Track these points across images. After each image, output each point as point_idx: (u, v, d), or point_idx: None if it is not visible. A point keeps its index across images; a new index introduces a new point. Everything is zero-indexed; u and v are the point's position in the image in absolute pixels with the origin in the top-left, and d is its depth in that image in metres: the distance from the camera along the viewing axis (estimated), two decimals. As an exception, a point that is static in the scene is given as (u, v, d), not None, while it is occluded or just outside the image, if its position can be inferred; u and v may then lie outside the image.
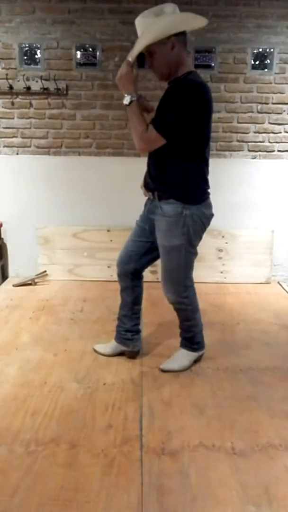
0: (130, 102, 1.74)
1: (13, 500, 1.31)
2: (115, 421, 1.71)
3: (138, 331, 2.21)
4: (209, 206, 1.93)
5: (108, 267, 3.52)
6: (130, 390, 1.93)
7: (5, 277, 3.61)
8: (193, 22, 1.77)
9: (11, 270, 3.65)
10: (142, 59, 1.81)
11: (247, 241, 3.52)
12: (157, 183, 1.88)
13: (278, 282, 3.57)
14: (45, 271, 3.51)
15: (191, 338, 2.12)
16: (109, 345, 2.24)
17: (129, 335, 2.17)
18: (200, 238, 1.94)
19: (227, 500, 1.33)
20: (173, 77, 1.78)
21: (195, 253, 1.97)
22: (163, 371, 2.08)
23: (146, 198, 2.04)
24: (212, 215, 1.94)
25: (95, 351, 2.26)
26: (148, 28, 1.67)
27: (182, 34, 1.74)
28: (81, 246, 3.54)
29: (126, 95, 1.75)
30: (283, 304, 3.11)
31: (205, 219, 1.89)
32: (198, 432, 1.65)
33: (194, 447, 1.57)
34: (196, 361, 2.16)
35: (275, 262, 3.61)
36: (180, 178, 1.82)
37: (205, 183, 1.90)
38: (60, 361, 2.20)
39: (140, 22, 1.71)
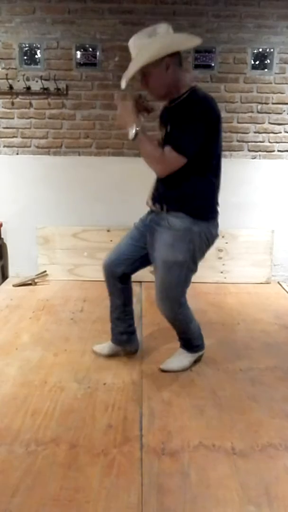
0: (135, 136, 1.68)
1: (13, 500, 1.31)
2: (115, 421, 1.71)
3: (133, 332, 2.18)
4: (217, 226, 1.87)
5: (108, 267, 3.52)
6: (130, 390, 1.93)
7: (5, 277, 3.61)
8: (187, 42, 1.73)
9: (11, 270, 3.65)
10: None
11: (247, 241, 3.52)
12: (167, 197, 1.80)
13: (278, 282, 3.57)
14: (45, 271, 3.51)
15: (189, 341, 2.12)
16: (107, 345, 2.23)
17: (124, 337, 2.15)
18: (203, 255, 1.87)
19: (227, 500, 1.33)
20: (175, 96, 1.74)
21: (195, 271, 1.90)
22: (163, 371, 2.08)
23: (148, 211, 1.98)
24: (217, 235, 1.88)
25: (94, 352, 2.26)
26: (142, 49, 1.64)
27: (177, 54, 1.69)
28: (81, 246, 3.54)
29: (129, 129, 1.69)
30: (283, 304, 3.11)
31: (211, 239, 1.84)
32: (198, 432, 1.65)
33: (194, 447, 1.57)
34: (196, 361, 2.16)
35: (275, 262, 3.61)
36: (191, 193, 1.76)
37: (215, 201, 1.84)
38: (60, 361, 2.20)
39: (133, 44, 1.68)
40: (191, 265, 1.83)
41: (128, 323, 2.15)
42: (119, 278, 2.02)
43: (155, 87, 1.73)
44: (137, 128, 1.67)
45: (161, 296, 1.90)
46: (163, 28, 1.66)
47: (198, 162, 1.71)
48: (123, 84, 1.73)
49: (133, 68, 1.66)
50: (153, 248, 1.86)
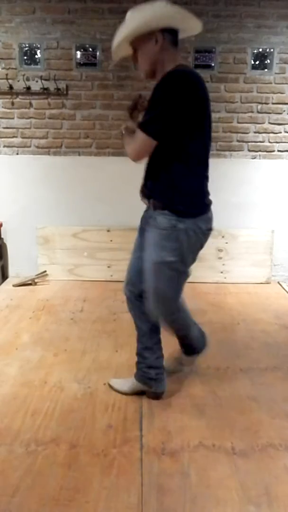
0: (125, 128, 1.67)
1: (13, 500, 1.31)
2: (115, 421, 1.71)
3: (162, 367, 1.85)
4: (208, 220, 1.66)
5: (108, 267, 3.52)
6: (130, 390, 1.93)
7: (5, 277, 3.61)
8: (183, 20, 1.56)
9: (11, 270, 3.65)
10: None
11: (247, 241, 3.52)
12: (152, 191, 1.66)
13: (278, 282, 3.57)
14: (45, 271, 3.51)
15: (191, 346, 1.94)
16: (128, 382, 1.92)
17: (152, 374, 1.82)
18: (194, 256, 1.69)
19: (227, 500, 1.33)
20: (161, 76, 1.54)
21: (186, 273, 1.71)
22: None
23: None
24: (210, 229, 1.69)
25: (111, 387, 1.95)
26: (130, 19, 1.53)
27: (170, 31, 1.56)
28: (81, 246, 3.54)
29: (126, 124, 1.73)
30: (283, 304, 3.11)
31: (201, 235, 1.64)
32: (198, 432, 1.65)
33: (194, 447, 1.57)
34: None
35: (275, 262, 3.61)
36: (175, 187, 1.58)
37: (203, 194, 1.66)
38: (60, 361, 2.20)
39: (127, 16, 1.57)
40: (180, 266, 1.65)
41: (157, 354, 1.84)
42: (140, 297, 1.77)
43: (141, 63, 1.61)
44: (126, 124, 1.68)
45: (153, 300, 1.69)
46: (160, 2, 1.53)
47: (182, 151, 1.55)
48: (114, 58, 1.69)
49: (117, 38, 1.56)
50: (143, 249, 1.71)
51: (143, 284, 1.72)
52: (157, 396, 1.87)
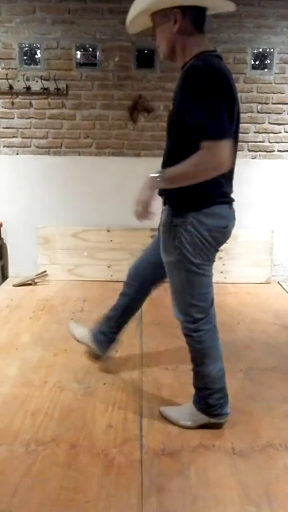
0: (159, 176, 1.40)
1: (13, 500, 1.31)
2: (115, 421, 1.71)
3: (111, 340, 2.00)
4: (212, 215, 1.47)
5: (108, 267, 3.52)
6: (130, 390, 1.93)
7: (5, 277, 3.61)
8: None
9: (11, 270, 3.65)
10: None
11: (247, 241, 3.52)
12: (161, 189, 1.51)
13: (278, 282, 3.57)
14: (45, 271, 3.51)
15: (202, 392, 1.64)
16: (83, 331, 2.09)
17: (101, 337, 2.00)
18: (205, 254, 1.50)
19: (227, 500, 1.33)
20: (182, 60, 1.45)
21: (203, 274, 1.52)
22: (161, 414, 1.75)
23: None
24: (219, 227, 1.50)
25: (69, 325, 2.18)
26: None
27: (193, 10, 1.40)
28: (81, 246, 3.54)
29: (152, 185, 1.42)
30: (283, 304, 3.11)
31: (205, 231, 1.47)
32: (198, 432, 1.65)
33: (194, 447, 1.57)
34: (208, 426, 1.66)
35: (275, 262, 3.61)
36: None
37: (211, 187, 1.43)
38: (60, 361, 2.20)
39: None
40: (188, 266, 1.48)
41: (113, 330, 1.98)
42: (139, 284, 1.87)
43: (159, 41, 1.47)
44: (153, 176, 1.40)
45: (172, 302, 1.61)
46: None
47: (190, 150, 1.33)
48: (130, 31, 1.56)
49: (132, 12, 1.42)
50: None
51: (142, 272, 1.85)
52: (94, 357, 2.05)
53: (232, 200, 1.55)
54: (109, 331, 2.00)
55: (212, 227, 1.48)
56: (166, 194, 1.51)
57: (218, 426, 1.66)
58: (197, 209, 1.45)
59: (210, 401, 1.61)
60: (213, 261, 1.57)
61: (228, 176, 1.49)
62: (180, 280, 1.53)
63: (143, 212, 1.43)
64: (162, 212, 1.58)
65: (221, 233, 1.54)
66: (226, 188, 1.51)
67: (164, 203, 1.55)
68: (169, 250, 1.52)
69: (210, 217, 1.47)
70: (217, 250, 1.57)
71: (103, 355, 2.08)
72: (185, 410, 1.70)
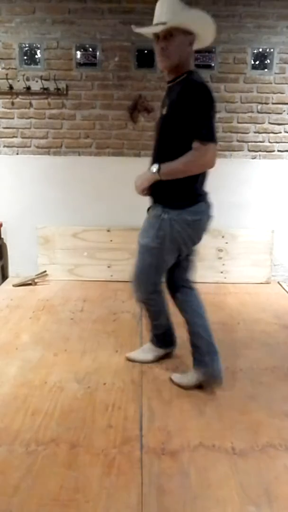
0: (158, 170, 1.72)
1: (13, 500, 1.31)
2: (115, 421, 1.71)
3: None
4: (195, 212, 1.77)
5: (108, 267, 3.52)
6: (130, 390, 1.93)
7: (5, 277, 3.61)
8: (209, 30, 1.72)
9: (11, 270, 3.65)
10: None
11: (247, 241, 3.53)
12: (152, 188, 1.81)
13: (278, 282, 3.57)
14: (45, 271, 3.51)
15: (156, 336, 2.18)
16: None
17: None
18: (179, 246, 1.82)
19: (227, 500, 1.33)
20: (177, 75, 1.73)
21: (168, 261, 1.87)
22: (129, 359, 2.19)
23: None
24: (199, 221, 1.79)
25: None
26: (186, 11, 1.67)
27: (194, 36, 1.72)
28: (81, 246, 3.54)
29: (149, 176, 1.76)
30: (283, 304, 3.11)
31: (186, 225, 1.76)
32: (198, 432, 1.65)
33: (194, 447, 1.57)
34: (164, 357, 2.21)
35: (275, 262, 3.61)
36: (171, 182, 1.72)
37: (193, 187, 1.76)
38: (60, 361, 2.20)
39: (166, 1, 1.67)
40: (161, 254, 1.82)
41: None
42: (168, 289, 2.06)
43: (173, 53, 1.68)
44: (153, 169, 1.73)
45: (133, 278, 1.95)
46: (203, 12, 1.72)
47: (185, 150, 1.66)
48: (146, 30, 1.73)
49: (173, 20, 1.63)
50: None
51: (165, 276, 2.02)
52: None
53: (207, 195, 1.85)
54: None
55: (190, 221, 1.77)
56: (156, 194, 1.82)
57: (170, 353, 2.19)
58: (182, 207, 1.76)
59: (159, 337, 2.16)
60: (184, 252, 1.89)
61: (205, 176, 1.82)
62: (150, 262, 1.86)
63: (141, 193, 1.84)
64: (149, 208, 1.89)
65: (195, 225, 1.80)
66: (203, 187, 1.83)
67: (154, 201, 1.84)
68: (150, 236, 1.81)
69: (192, 214, 1.77)
70: (193, 243, 1.88)
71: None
72: (146, 350, 2.20)
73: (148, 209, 1.91)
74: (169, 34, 1.66)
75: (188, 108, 1.63)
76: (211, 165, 1.68)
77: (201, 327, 1.91)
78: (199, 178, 1.76)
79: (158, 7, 1.69)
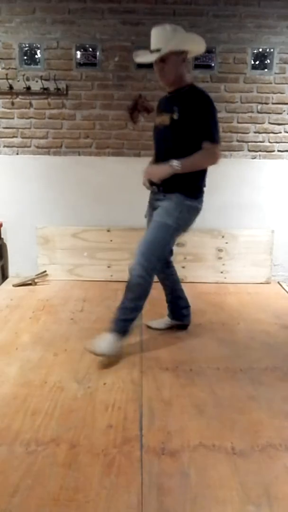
0: (178, 165, 2.04)
1: (13, 500, 1.31)
2: (115, 421, 1.71)
3: (189, 305, 2.53)
4: (201, 202, 2.23)
5: (108, 267, 3.52)
6: (130, 390, 1.93)
7: (5, 277, 3.61)
8: (200, 45, 2.10)
9: (11, 270, 3.66)
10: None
11: (247, 241, 3.52)
12: (166, 180, 2.10)
13: (278, 282, 3.57)
14: (45, 271, 3.51)
15: (126, 321, 2.17)
16: (163, 321, 2.54)
17: (185, 311, 2.51)
18: (187, 227, 2.22)
19: (227, 500, 1.33)
20: (177, 87, 2.10)
21: (176, 238, 2.21)
22: (89, 350, 2.14)
23: (150, 195, 2.32)
24: (200, 208, 2.23)
25: (148, 326, 2.54)
26: (175, 36, 1.99)
27: (187, 52, 2.09)
28: (81, 246, 3.54)
29: (169, 171, 2.06)
30: (283, 304, 3.11)
31: (195, 213, 2.21)
32: (198, 432, 1.65)
33: (194, 447, 1.57)
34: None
35: (275, 262, 3.61)
36: (189, 177, 2.08)
37: (203, 182, 2.22)
38: (60, 361, 2.20)
39: (158, 31, 2.01)
40: (175, 232, 2.16)
41: (185, 298, 2.50)
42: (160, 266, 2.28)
43: (169, 72, 2.06)
44: (173, 164, 2.03)
45: (141, 250, 2.10)
46: (180, 28, 2.07)
47: (192, 150, 2.04)
48: (145, 59, 2.12)
49: (167, 49, 1.98)
50: (153, 216, 2.19)
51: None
52: (186, 326, 2.55)
53: None
54: (185, 301, 2.52)
55: (198, 210, 2.23)
56: (176, 185, 2.11)
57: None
58: (198, 198, 2.21)
59: (127, 325, 2.18)
60: (184, 234, 2.29)
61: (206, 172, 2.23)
62: (164, 237, 2.13)
63: (157, 181, 2.14)
64: (160, 196, 2.21)
65: (198, 213, 2.24)
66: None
67: (170, 191, 2.15)
68: (171, 217, 2.11)
69: (200, 203, 2.22)
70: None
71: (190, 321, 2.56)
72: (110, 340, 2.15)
73: (155, 195, 2.25)
74: (162, 59, 2.02)
75: (200, 114, 2.01)
76: (217, 162, 2.10)
77: (180, 290, 2.49)
78: (205, 174, 2.20)
79: (152, 35, 2.03)
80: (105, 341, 2.12)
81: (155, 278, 2.25)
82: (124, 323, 2.16)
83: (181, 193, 2.13)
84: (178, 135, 2.07)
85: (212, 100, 2.04)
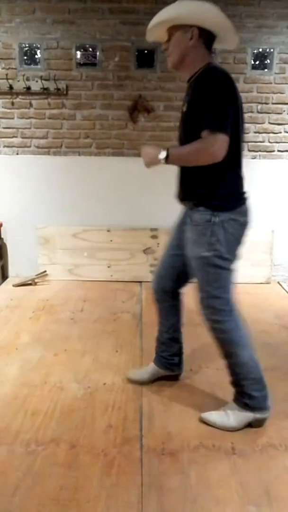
0: (167, 156, 1.57)
1: (13, 500, 1.31)
2: (115, 421, 1.71)
3: (182, 353, 1.98)
4: (244, 213, 1.69)
5: (108, 267, 3.52)
6: (130, 390, 1.93)
7: (5, 277, 3.61)
8: (223, 29, 1.65)
9: (11, 270, 3.66)
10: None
11: (247, 241, 3.51)
12: (186, 191, 1.69)
13: (278, 282, 3.57)
14: (45, 271, 3.51)
15: (240, 387, 1.67)
16: (147, 370, 1.98)
17: (176, 360, 1.95)
18: (235, 250, 1.68)
19: (227, 500, 1.33)
20: (190, 73, 1.65)
21: (229, 269, 1.65)
22: (202, 420, 1.72)
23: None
24: (247, 222, 1.71)
25: (130, 379, 1.99)
26: (174, 6, 1.59)
27: (208, 33, 1.62)
28: (81, 246, 3.54)
29: (159, 158, 1.58)
30: (283, 304, 3.11)
31: (238, 227, 1.66)
32: (198, 432, 1.65)
33: (194, 447, 1.57)
34: (253, 425, 1.67)
35: (275, 262, 3.61)
36: (209, 183, 1.61)
37: (238, 187, 1.69)
38: (60, 361, 2.20)
39: (175, 3, 1.63)
40: (218, 262, 1.61)
41: (180, 343, 1.95)
42: (171, 293, 1.86)
43: (172, 51, 1.64)
44: (164, 150, 1.57)
45: (199, 296, 1.67)
46: (210, 3, 1.62)
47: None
48: (147, 38, 1.75)
49: (155, 19, 1.62)
50: (185, 248, 1.72)
51: (171, 281, 1.82)
52: (176, 377, 2.00)
53: (247, 195, 1.74)
54: (179, 347, 1.96)
55: (242, 222, 1.68)
56: (196, 197, 1.64)
57: (261, 422, 1.67)
58: (232, 208, 1.64)
59: (252, 393, 1.64)
60: (238, 257, 1.71)
61: (242, 177, 1.72)
62: (210, 275, 1.63)
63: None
64: (186, 213, 1.73)
65: (245, 227, 1.72)
66: (244, 186, 1.73)
67: (195, 205, 1.65)
68: (203, 246, 1.61)
69: (241, 215, 1.68)
70: (241, 246, 1.72)
71: (182, 369, 2.02)
72: (228, 412, 1.69)
73: (183, 215, 1.77)
74: (169, 35, 1.65)
75: (202, 97, 1.50)
76: (218, 157, 1.49)
77: (180, 332, 1.95)
78: (239, 178, 1.69)
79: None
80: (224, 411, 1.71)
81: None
82: (236, 389, 1.70)
83: (206, 206, 1.61)
84: (188, 129, 1.63)
85: (223, 78, 1.50)
